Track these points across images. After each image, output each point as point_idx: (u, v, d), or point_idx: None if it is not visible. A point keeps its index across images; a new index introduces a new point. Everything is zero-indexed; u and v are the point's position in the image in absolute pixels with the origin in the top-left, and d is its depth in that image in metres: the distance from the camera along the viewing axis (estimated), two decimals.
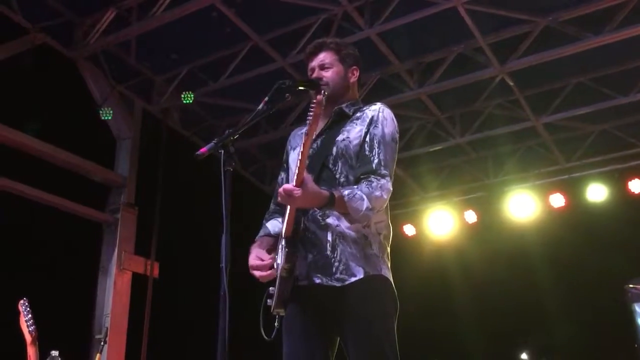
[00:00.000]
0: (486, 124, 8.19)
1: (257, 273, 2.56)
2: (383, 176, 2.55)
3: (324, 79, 2.75)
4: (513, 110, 7.97)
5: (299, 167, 2.30)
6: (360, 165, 2.59)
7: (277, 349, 2.64)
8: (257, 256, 2.60)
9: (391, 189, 2.57)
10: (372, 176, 2.54)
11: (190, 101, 7.53)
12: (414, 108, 7.97)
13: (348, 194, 2.46)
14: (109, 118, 7.26)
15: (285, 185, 2.35)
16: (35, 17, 6.40)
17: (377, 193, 2.50)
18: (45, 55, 6.57)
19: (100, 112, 7.19)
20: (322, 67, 2.78)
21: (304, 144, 2.28)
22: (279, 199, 2.39)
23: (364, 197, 2.47)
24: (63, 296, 6.26)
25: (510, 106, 7.94)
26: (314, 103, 2.22)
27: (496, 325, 10.31)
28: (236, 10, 6.39)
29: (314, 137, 2.79)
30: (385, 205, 2.59)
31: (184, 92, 7.48)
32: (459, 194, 9.42)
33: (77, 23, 6.76)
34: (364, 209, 2.45)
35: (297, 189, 2.32)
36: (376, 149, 2.60)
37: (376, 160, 2.58)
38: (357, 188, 2.50)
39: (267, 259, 2.56)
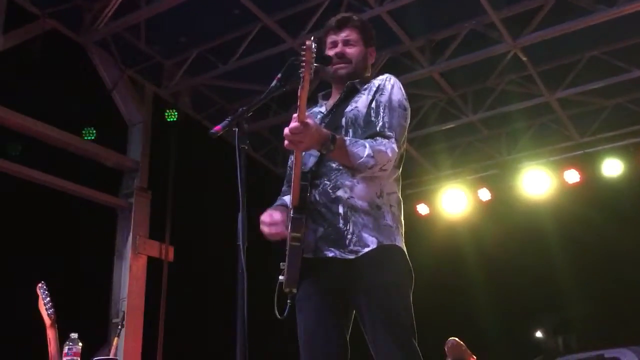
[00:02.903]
0: (499, 100, 8.10)
1: (265, 229, 2.57)
2: (388, 137, 2.53)
3: (348, 55, 2.75)
4: (526, 86, 7.88)
5: (299, 107, 2.27)
6: (366, 130, 2.58)
7: (294, 327, 2.64)
8: (269, 213, 2.61)
9: (396, 149, 2.53)
10: (377, 136, 2.53)
11: (175, 119, 7.65)
12: (426, 86, 7.90)
13: (350, 139, 2.47)
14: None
15: (290, 125, 2.31)
16: (44, 3, 6.38)
17: (381, 147, 2.47)
18: (54, 41, 6.56)
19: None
20: (346, 43, 2.77)
21: (302, 88, 2.23)
22: (285, 144, 2.36)
23: (367, 145, 2.45)
24: (80, 281, 6.32)
25: (524, 82, 7.85)
26: (303, 49, 2.19)
27: (511, 303, 10.33)
28: None
29: (325, 111, 2.79)
30: (390, 165, 2.55)
31: (167, 110, 7.62)
32: (472, 172, 9.37)
33: (86, 8, 6.73)
34: (364, 155, 2.43)
35: (300, 126, 2.29)
36: (381, 114, 2.59)
37: (380, 123, 2.57)
38: (361, 139, 2.50)
39: (279, 217, 2.57)
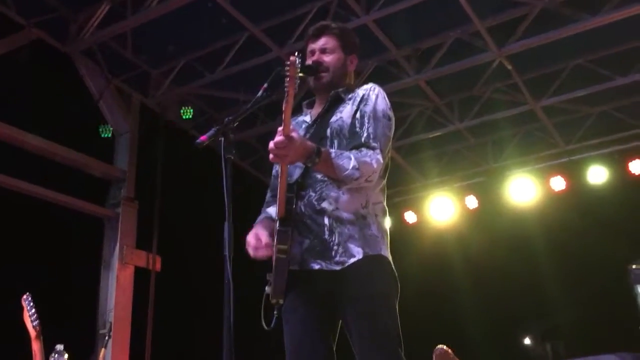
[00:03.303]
0: (485, 108, 8.16)
1: (251, 251, 2.56)
2: (373, 148, 2.53)
3: (324, 63, 2.75)
4: (512, 94, 7.94)
5: (284, 121, 2.27)
6: (350, 142, 2.58)
7: (281, 337, 2.64)
8: (256, 234, 2.59)
9: (381, 160, 2.54)
10: (362, 147, 2.53)
11: (190, 117, 7.71)
12: (413, 95, 7.94)
13: (335, 151, 2.47)
14: (108, 135, 7.31)
15: (274, 139, 2.31)
16: (30, 13, 6.37)
17: (366, 159, 2.48)
18: (40, 51, 6.55)
19: (100, 129, 7.30)
20: (323, 51, 2.77)
21: (286, 102, 2.24)
22: (270, 157, 2.36)
23: (352, 157, 2.46)
24: (66, 291, 6.28)
25: (509, 90, 7.91)
26: (287, 65, 2.19)
27: (499, 310, 10.33)
28: (231, 0, 6.35)
29: (310, 121, 2.80)
30: (375, 177, 2.55)
31: (183, 107, 7.67)
32: (459, 179, 9.41)
33: (71, 18, 6.72)
34: (350, 167, 2.43)
35: (285, 140, 2.29)
36: (366, 124, 2.60)
37: (365, 134, 2.57)
38: (346, 151, 2.51)
39: (265, 239, 2.55)
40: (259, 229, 2.62)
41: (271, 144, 2.33)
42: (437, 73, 7.36)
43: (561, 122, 8.45)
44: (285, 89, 2.22)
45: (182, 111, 7.70)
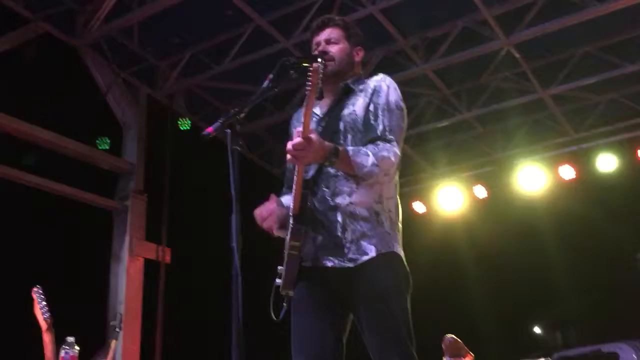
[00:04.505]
0: (493, 97, 8.12)
1: (259, 222, 2.60)
2: (389, 141, 2.52)
3: (330, 53, 2.73)
4: (520, 83, 7.89)
5: (304, 123, 2.28)
6: (366, 135, 2.57)
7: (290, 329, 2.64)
8: (260, 209, 2.62)
9: (399, 153, 2.53)
10: (378, 140, 2.51)
11: (188, 127, 7.79)
12: (420, 84, 7.91)
13: (352, 149, 2.46)
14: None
15: (293, 141, 2.31)
16: (36, 7, 6.38)
17: (384, 153, 2.46)
18: (48, 45, 6.55)
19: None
20: (329, 41, 2.76)
21: (306, 106, 2.25)
22: (288, 158, 2.37)
23: (370, 153, 2.44)
24: (77, 284, 6.31)
25: (517, 79, 7.87)
26: (310, 72, 2.19)
27: (509, 299, 10.34)
28: None
29: (321, 114, 2.79)
30: (393, 170, 2.55)
31: (180, 119, 7.74)
32: (468, 169, 9.38)
33: (78, 11, 6.72)
34: (369, 164, 2.42)
35: (304, 141, 2.29)
36: (380, 117, 2.58)
37: (381, 127, 2.56)
38: (363, 147, 2.49)
39: (270, 209, 2.59)
40: (267, 203, 2.65)
41: (289, 145, 2.32)
42: (444, 62, 7.32)
43: (570, 110, 8.40)
44: (307, 92, 2.22)
45: (179, 122, 7.80)
